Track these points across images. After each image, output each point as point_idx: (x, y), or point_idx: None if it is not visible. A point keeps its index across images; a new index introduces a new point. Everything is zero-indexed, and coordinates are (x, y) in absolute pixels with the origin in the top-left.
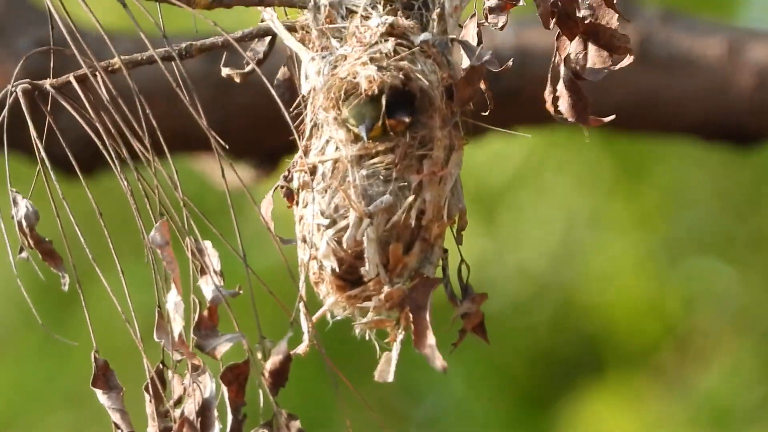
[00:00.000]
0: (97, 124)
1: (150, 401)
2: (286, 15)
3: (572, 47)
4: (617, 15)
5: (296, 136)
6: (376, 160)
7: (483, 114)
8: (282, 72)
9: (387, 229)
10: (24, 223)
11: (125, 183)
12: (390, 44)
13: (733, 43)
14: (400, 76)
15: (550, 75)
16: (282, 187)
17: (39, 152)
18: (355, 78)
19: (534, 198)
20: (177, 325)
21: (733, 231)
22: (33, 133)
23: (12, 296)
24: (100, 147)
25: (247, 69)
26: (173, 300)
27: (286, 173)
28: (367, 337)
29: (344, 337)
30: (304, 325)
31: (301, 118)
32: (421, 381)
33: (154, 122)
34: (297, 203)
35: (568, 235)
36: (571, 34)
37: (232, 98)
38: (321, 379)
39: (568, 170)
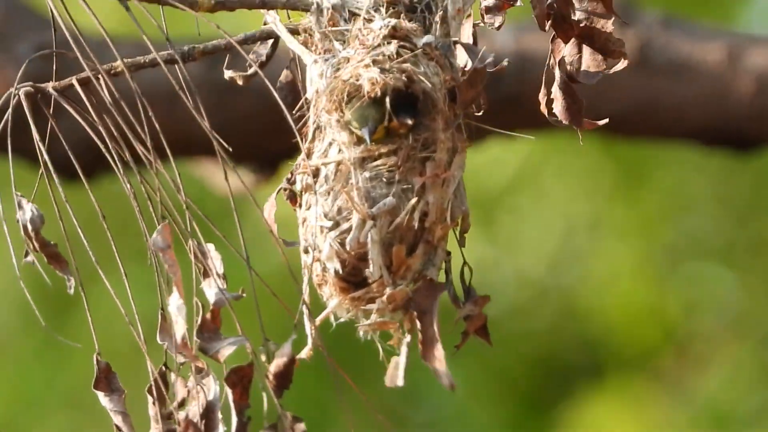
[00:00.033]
0: (100, 128)
1: (153, 403)
2: (289, 18)
3: (567, 50)
4: (612, 19)
5: (299, 138)
6: (378, 162)
7: (478, 116)
8: (285, 75)
9: (390, 231)
10: (29, 227)
11: (128, 186)
12: (393, 46)
13: (732, 48)
14: (403, 78)
15: (544, 77)
16: (285, 190)
17: (42, 155)
18: (357, 80)
19: (533, 202)
20: (180, 328)
21: (732, 236)
22: (36, 136)
23: (11, 298)
24: (103, 150)
25: (250, 72)
26: (175, 303)
27: (289, 176)
28: (369, 339)
29: (342, 338)
30: (308, 328)
31: (304, 120)
32: (421, 384)
33: (156, 125)
34: (300, 205)
35: (567, 239)
36: (566, 37)
37: (231, 103)
38: (319, 381)
39: (568, 175)
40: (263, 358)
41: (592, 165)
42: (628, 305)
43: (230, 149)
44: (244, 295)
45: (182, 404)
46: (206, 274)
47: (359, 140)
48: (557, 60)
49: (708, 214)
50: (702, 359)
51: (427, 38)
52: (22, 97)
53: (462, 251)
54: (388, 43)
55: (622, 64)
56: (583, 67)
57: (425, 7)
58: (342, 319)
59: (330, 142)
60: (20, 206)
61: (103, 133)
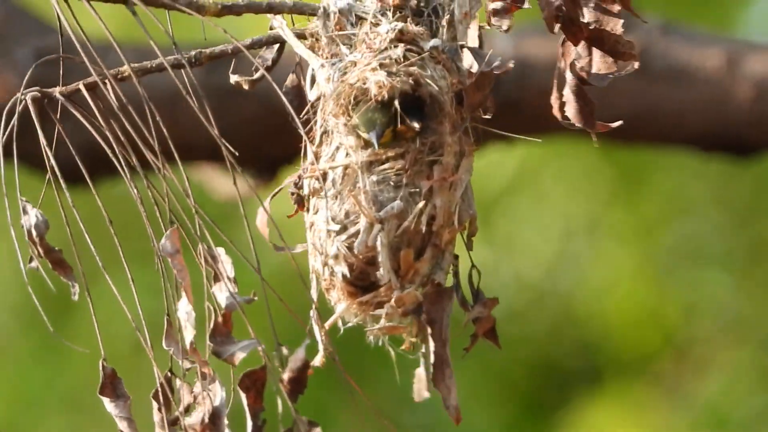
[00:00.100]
0: (107, 132)
1: (159, 409)
2: (293, 23)
3: (577, 53)
4: (621, 21)
5: (307, 142)
6: (386, 166)
7: (485, 118)
8: (290, 79)
9: (398, 235)
10: (34, 233)
11: (135, 191)
12: (400, 50)
13: (731, 54)
14: (410, 81)
15: (555, 81)
16: (292, 194)
17: (49, 160)
18: (364, 84)
19: (532, 206)
20: (189, 334)
21: (732, 240)
22: (43, 141)
23: (10, 300)
24: (110, 155)
25: (256, 76)
26: (184, 308)
27: (297, 180)
28: (367, 341)
29: (339, 340)
30: (318, 334)
31: (310, 125)
32: (408, 385)
33: (164, 130)
34: (308, 210)
35: (566, 243)
36: (576, 40)
37: (231, 108)
38: (318, 382)
39: (567, 179)
40: (276, 362)
41: (590, 169)
42: (627, 309)
43: (237, 153)
44: (256, 298)
45: (188, 410)
46: (216, 278)
47: (366, 144)
48: (568, 63)
49: (707, 218)
50: (701, 363)
51: (433, 42)
52: (29, 102)
53: (470, 254)
54: (395, 46)
55: (632, 66)
56: (593, 70)
57: (432, 11)
58: (350, 324)
59: (337, 146)
60: (25, 211)
61: (110, 137)
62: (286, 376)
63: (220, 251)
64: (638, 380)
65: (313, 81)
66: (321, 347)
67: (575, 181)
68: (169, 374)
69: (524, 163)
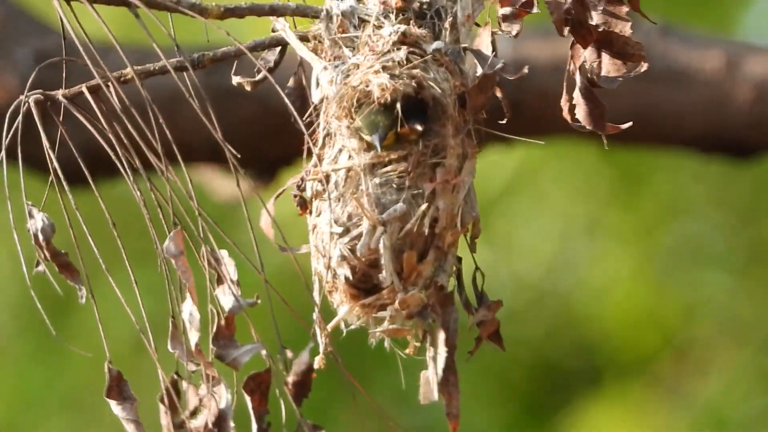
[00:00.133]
0: (110, 135)
1: (165, 412)
2: (295, 25)
3: (586, 55)
4: (630, 23)
5: (310, 144)
6: (389, 168)
7: (486, 120)
8: (293, 81)
9: (400, 238)
10: (40, 237)
11: (138, 193)
12: (402, 52)
13: (731, 56)
14: (413, 84)
15: (565, 83)
16: (295, 197)
17: (52, 162)
18: (367, 86)
19: (531, 207)
20: (193, 336)
21: (731, 241)
22: (45, 144)
23: (9, 301)
24: (113, 157)
25: (258, 77)
26: (188, 310)
27: (300, 182)
28: (366, 343)
29: (341, 342)
30: (319, 336)
31: (313, 127)
32: (416, 388)
33: (167, 132)
34: (310, 212)
35: (565, 244)
36: (585, 42)
37: (230, 109)
38: (318, 383)
39: (566, 180)
40: (280, 366)
41: (590, 170)
42: (626, 310)
43: (239, 156)
44: (259, 301)
45: (194, 413)
46: (219, 280)
47: (369, 146)
48: (577, 66)
49: (706, 219)
50: (701, 364)
51: (436, 44)
52: (32, 104)
53: (474, 257)
54: (398, 49)
55: (642, 68)
56: (603, 72)
57: (435, 14)
58: (353, 326)
59: (340, 149)
60: (31, 215)
61: (113, 140)
62: (290, 379)
63: (224, 253)
64: (638, 381)
65: (317, 83)
66: (321, 348)
67: (575, 181)
68: (175, 377)
69: (523, 164)
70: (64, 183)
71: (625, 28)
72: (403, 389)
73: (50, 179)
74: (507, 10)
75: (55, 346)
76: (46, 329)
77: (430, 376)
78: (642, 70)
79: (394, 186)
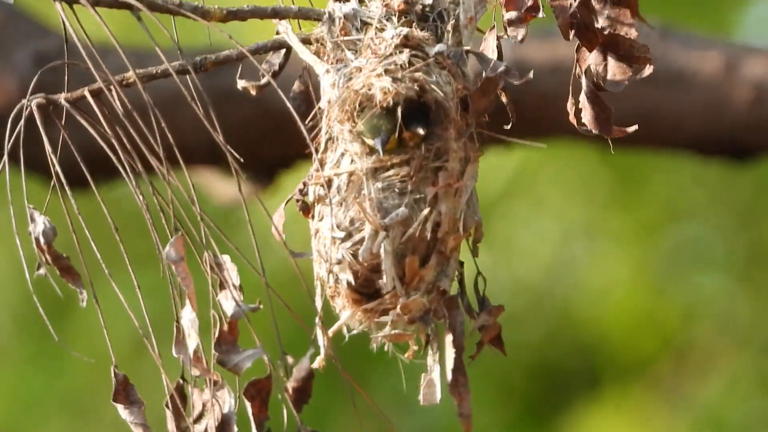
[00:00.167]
0: (112, 139)
1: (172, 418)
2: (300, 27)
3: (592, 59)
4: (635, 26)
5: (312, 149)
6: (391, 172)
7: (486, 122)
8: (298, 84)
9: (403, 242)
10: (42, 240)
11: (141, 197)
12: (405, 56)
13: (729, 58)
14: (415, 87)
15: (571, 87)
16: (298, 201)
17: (54, 166)
18: (370, 90)
19: (530, 209)
20: (192, 342)
21: (730, 243)
22: (48, 148)
23: (8, 304)
24: (114, 161)
25: (263, 81)
26: (188, 316)
27: (302, 187)
28: (366, 347)
29: (338, 346)
30: (321, 339)
31: (316, 131)
32: (416, 392)
33: (169, 136)
34: (313, 216)
35: (564, 247)
36: (591, 46)
37: (228, 111)
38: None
39: (564, 182)
40: (281, 372)
41: (588, 172)
42: (625, 312)
43: (242, 160)
44: (261, 306)
45: (199, 418)
46: (222, 285)
47: (371, 151)
48: (583, 69)
49: (705, 221)
50: (700, 367)
51: (439, 47)
52: (34, 108)
53: (476, 261)
54: (400, 52)
55: (647, 70)
56: (608, 75)
57: (437, 16)
58: (355, 331)
59: (342, 153)
60: (32, 219)
61: (115, 143)
62: (290, 385)
63: (226, 258)
64: (637, 383)
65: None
66: (322, 352)
67: (573, 184)
68: (181, 381)
69: (522, 167)
70: (67, 188)
71: (630, 31)
72: (403, 392)
73: (52, 183)
74: (512, 14)
75: (55, 348)
76: (46, 331)
77: (435, 379)
78: (648, 73)
79: (397, 190)
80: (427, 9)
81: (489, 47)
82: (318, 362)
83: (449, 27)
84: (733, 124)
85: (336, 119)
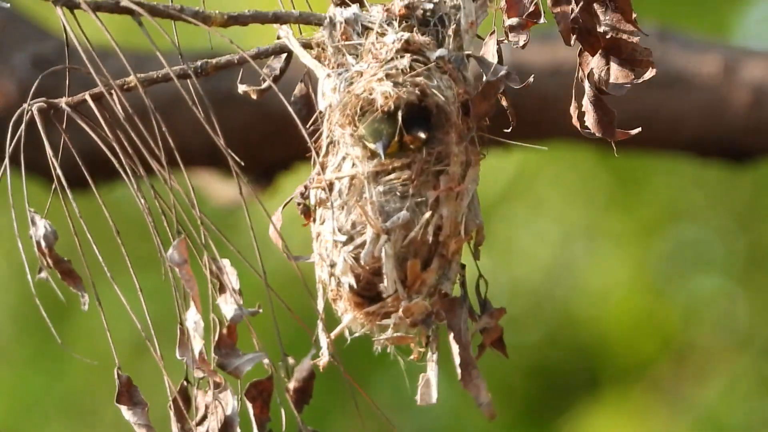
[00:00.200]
0: (113, 143)
1: (176, 420)
2: (301, 32)
3: (595, 63)
4: (636, 29)
5: (314, 152)
6: (392, 176)
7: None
8: (299, 88)
9: (404, 246)
10: (43, 243)
11: (143, 201)
12: (406, 60)
13: (728, 61)
14: (416, 91)
15: (574, 91)
16: (299, 204)
17: (55, 169)
18: (371, 94)
19: (529, 212)
20: (197, 344)
21: (730, 246)
22: (49, 151)
23: (8, 306)
24: (116, 164)
25: (264, 86)
26: (193, 319)
27: (303, 190)
28: (364, 349)
29: (339, 347)
30: (323, 341)
31: (317, 134)
32: (414, 392)
33: (170, 140)
34: (314, 220)
35: (563, 249)
36: (593, 50)
37: (227, 113)
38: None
39: (564, 184)
40: (282, 373)
41: (587, 174)
42: (625, 314)
43: (242, 163)
44: (261, 310)
45: (202, 420)
46: (222, 289)
47: (373, 154)
48: (585, 73)
49: (705, 223)
50: (700, 369)
51: (440, 52)
52: (35, 112)
53: (477, 264)
54: (401, 56)
55: (650, 73)
56: (611, 79)
57: (438, 21)
58: (357, 334)
59: (344, 157)
60: (33, 222)
61: (116, 147)
62: (291, 386)
63: (226, 262)
64: (637, 385)
65: (322, 91)
66: (325, 354)
67: (572, 186)
68: (185, 383)
69: (521, 169)
70: (68, 191)
71: (632, 35)
72: (403, 392)
73: (53, 186)
74: (514, 20)
75: (55, 350)
76: (46, 333)
77: (432, 379)
78: (650, 77)
79: (398, 194)
80: (428, 14)
81: (489, 51)
82: (321, 363)
83: (450, 31)
84: (732, 126)
85: (337, 123)
